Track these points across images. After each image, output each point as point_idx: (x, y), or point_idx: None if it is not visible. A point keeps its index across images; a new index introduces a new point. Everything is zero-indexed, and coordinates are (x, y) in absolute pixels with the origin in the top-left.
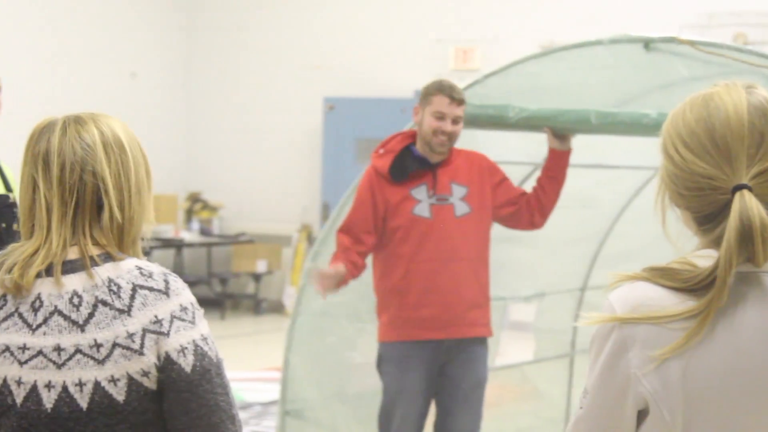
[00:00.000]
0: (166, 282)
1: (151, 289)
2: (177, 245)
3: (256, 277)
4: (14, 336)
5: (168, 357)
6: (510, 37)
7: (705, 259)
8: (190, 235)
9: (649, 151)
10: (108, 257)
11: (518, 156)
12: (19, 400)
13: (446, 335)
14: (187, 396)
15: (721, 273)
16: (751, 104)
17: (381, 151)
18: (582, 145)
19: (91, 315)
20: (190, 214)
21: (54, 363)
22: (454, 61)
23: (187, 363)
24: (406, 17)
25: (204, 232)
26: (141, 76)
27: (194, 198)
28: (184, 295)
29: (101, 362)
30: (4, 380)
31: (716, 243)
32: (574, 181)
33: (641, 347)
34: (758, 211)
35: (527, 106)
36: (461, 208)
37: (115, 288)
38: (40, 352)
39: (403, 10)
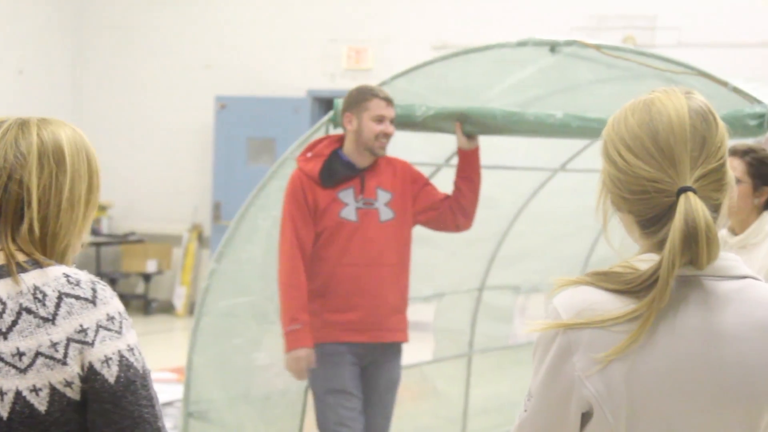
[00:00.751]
0: (94, 291)
1: (77, 297)
2: None
3: (146, 277)
4: None
5: (92, 367)
6: (402, 38)
7: (646, 262)
8: None
9: (547, 153)
10: (35, 264)
11: (421, 157)
12: None
13: (368, 339)
14: (110, 407)
15: (663, 273)
16: (692, 109)
17: (308, 154)
18: (482, 147)
19: (14, 323)
20: None
21: None
22: (346, 60)
23: (111, 374)
24: (299, 17)
25: (92, 231)
26: (27, 73)
27: None
28: (112, 304)
29: (23, 371)
30: None
31: (658, 246)
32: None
33: (585, 350)
34: (703, 213)
35: (433, 105)
36: (385, 214)
37: (40, 296)
38: None
39: (297, 10)
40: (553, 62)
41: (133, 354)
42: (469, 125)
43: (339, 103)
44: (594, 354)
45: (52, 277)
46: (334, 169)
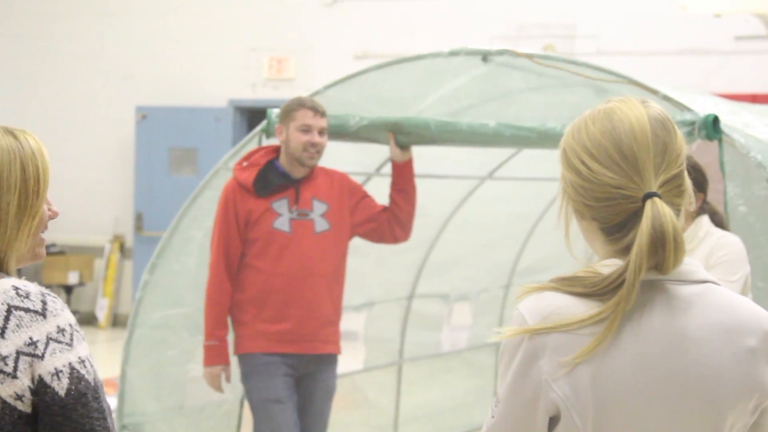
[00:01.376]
0: (44, 303)
1: (27, 310)
2: None
3: (68, 289)
4: None
5: (42, 380)
6: (324, 47)
7: (610, 267)
8: None
9: (475, 162)
10: None
11: (352, 167)
12: None
13: (301, 350)
14: (60, 420)
15: (630, 276)
16: (651, 116)
17: (244, 164)
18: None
19: None
20: None
21: None
22: (268, 70)
23: (61, 386)
24: (219, 26)
25: None
26: None
27: None
28: (62, 316)
29: None
30: None
31: (622, 252)
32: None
33: (552, 354)
34: (670, 218)
35: (367, 115)
36: (321, 225)
37: None
38: None
39: (217, 19)
40: (486, 71)
41: (84, 366)
42: (403, 136)
43: (272, 112)
44: (560, 357)
45: (0, 290)
46: (269, 179)
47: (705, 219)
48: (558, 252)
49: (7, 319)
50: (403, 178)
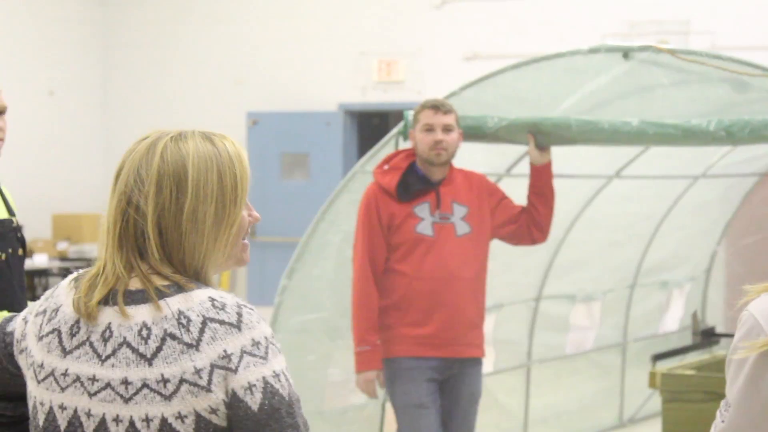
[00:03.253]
0: (239, 315)
1: (222, 322)
2: None
3: None
4: (85, 366)
5: (235, 394)
6: (433, 49)
7: None
8: None
9: (601, 160)
10: (178, 288)
11: (483, 168)
12: None
13: (446, 354)
14: None
15: None
16: None
17: (385, 167)
18: None
19: (159, 348)
20: None
21: (121, 396)
22: (377, 73)
23: (254, 401)
24: (328, 30)
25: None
26: (58, 94)
27: None
28: (258, 328)
29: (168, 398)
30: (75, 411)
31: None
32: (522, 191)
33: None
34: None
35: (506, 116)
36: (462, 228)
37: (184, 321)
38: (108, 385)
39: (326, 23)
40: (627, 69)
41: (279, 380)
42: (543, 136)
43: (408, 114)
44: None
45: (197, 301)
46: (410, 183)
47: None
48: (682, 251)
49: (202, 331)
50: (541, 180)
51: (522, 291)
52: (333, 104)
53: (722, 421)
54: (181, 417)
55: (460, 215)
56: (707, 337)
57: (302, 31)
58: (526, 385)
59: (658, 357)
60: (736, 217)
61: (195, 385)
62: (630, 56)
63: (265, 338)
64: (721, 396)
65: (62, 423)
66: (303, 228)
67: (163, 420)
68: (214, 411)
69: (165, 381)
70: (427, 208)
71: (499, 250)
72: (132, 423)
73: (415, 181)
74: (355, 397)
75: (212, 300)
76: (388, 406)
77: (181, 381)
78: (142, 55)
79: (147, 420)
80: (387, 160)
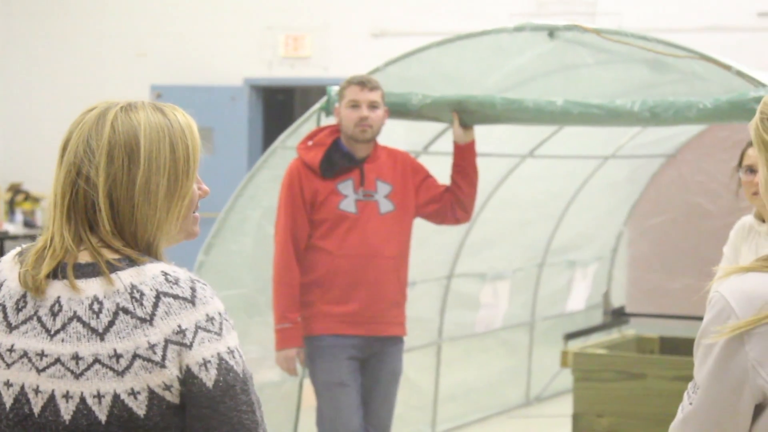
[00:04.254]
0: (193, 289)
1: (176, 297)
2: (0, 238)
3: None
4: (32, 341)
5: (189, 370)
6: (341, 25)
7: None
8: (13, 227)
9: (516, 138)
10: (130, 261)
11: (402, 145)
12: (36, 410)
13: (367, 332)
14: (208, 412)
15: None
16: None
17: (309, 143)
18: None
19: (111, 323)
20: (12, 205)
21: (72, 372)
22: (284, 48)
23: (209, 378)
24: (234, 3)
25: (27, 223)
26: None
27: (15, 189)
28: (212, 304)
29: (121, 374)
30: (22, 388)
31: None
32: (440, 168)
33: (759, 339)
34: None
35: (430, 93)
36: (385, 206)
37: (137, 295)
38: (57, 360)
39: None
40: (552, 47)
41: (234, 357)
42: (467, 114)
43: (331, 90)
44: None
45: (149, 275)
46: (334, 160)
47: None
48: (590, 230)
49: (156, 305)
50: (465, 159)
51: (434, 269)
52: (238, 79)
53: (690, 404)
54: (134, 393)
55: (384, 193)
56: (618, 316)
57: (208, 3)
58: (436, 362)
59: (570, 336)
60: (643, 197)
61: (149, 360)
62: (555, 35)
63: (219, 314)
64: (631, 375)
65: (8, 400)
66: (210, 203)
67: (116, 396)
68: (167, 387)
69: (118, 356)
70: (350, 186)
71: (413, 227)
72: (83, 399)
73: (339, 158)
74: (273, 373)
75: (165, 274)
76: (306, 383)
77: (135, 356)
78: (40, 26)
79: (98, 396)
80: (311, 136)
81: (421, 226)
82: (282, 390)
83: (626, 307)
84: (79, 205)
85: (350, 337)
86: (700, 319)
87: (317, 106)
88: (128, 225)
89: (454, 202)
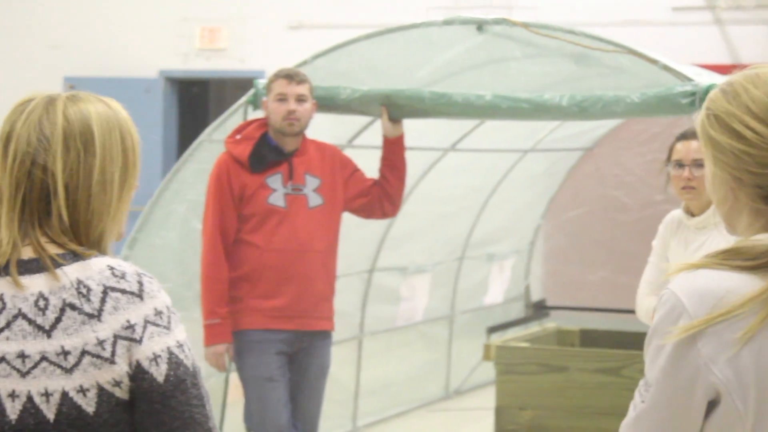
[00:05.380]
0: (140, 284)
1: (123, 291)
2: None
3: None
4: None
5: (139, 366)
6: (257, 17)
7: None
8: None
9: (438, 132)
10: (75, 256)
11: (327, 138)
12: None
13: (296, 327)
14: (159, 408)
15: None
16: None
17: (237, 137)
18: (377, 127)
19: (58, 319)
20: None
21: (18, 371)
22: (200, 40)
23: (159, 372)
24: None
25: None
26: None
27: None
28: (159, 298)
29: (69, 371)
30: None
31: None
32: (365, 162)
33: (711, 337)
34: None
35: (359, 87)
36: (314, 200)
37: (84, 290)
38: (2, 359)
39: None
40: (481, 41)
41: (183, 351)
42: (396, 108)
43: (258, 83)
44: (720, 340)
45: (95, 269)
46: (262, 154)
47: None
48: (509, 224)
49: (103, 301)
50: (394, 153)
51: (356, 263)
52: (153, 71)
53: (642, 402)
54: (83, 390)
55: (313, 187)
56: (539, 309)
57: None
58: (357, 356)
59: (492, 329)
60: (560, 191)
61: (98, 356)
62: (484, 29)
63: (167, 308)
64: (553, 368)
65: None
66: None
67: (64, 394)
68: (117, 384)
69: (65, 353)
70: (279, 179)
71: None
72: (30, 398)
73: (267, 152)
74: (200, 366)
75: (111, 268)
76: (232, 378)
77: (83, 353)
78: None
79: (46, 395)
80: (239, 130)
81: (343, 221)
82: (208, 385)
83: (546, 300)
84: (34, 196)
85: (279, 332)
86: (620, 311)
87: (244, 99)
88: (84, 215)
89: (382, 195)
